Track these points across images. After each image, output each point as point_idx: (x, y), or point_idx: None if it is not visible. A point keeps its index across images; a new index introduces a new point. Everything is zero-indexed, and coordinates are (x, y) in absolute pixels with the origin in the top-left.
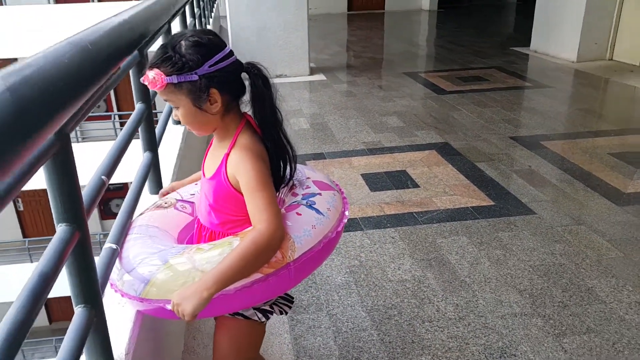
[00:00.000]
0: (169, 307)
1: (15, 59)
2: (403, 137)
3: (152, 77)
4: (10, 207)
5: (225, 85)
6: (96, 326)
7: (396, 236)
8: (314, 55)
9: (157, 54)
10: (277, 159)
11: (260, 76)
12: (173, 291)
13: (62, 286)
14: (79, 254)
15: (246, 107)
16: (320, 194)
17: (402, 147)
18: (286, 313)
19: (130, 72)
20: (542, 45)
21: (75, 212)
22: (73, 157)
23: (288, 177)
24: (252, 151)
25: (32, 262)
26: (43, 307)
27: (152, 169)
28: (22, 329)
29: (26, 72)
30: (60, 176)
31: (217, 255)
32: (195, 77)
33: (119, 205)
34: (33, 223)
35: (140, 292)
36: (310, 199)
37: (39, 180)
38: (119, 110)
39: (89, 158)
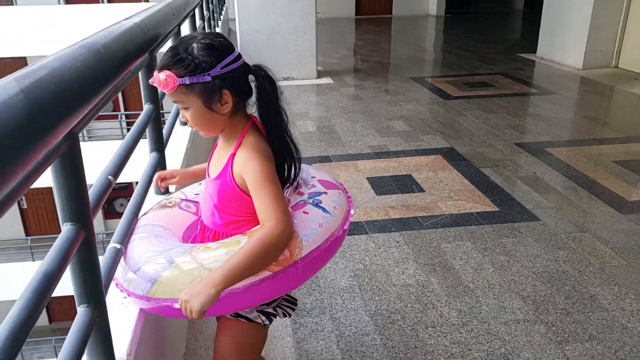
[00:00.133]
0: (177, 305)
1: (24, 58)
2: (409, 141)
3: (164, 78)
4: (13, 205)
5: (236, 87)
6: (99, 326)
7: (401, 240)
8: (322, 58)
9: (167, 56)
10: (283, 159)
11: (267, 78)
12: (181, 290)
13: (63, 286)
14: (84, 254)
15: (251, 109)
16: (326, 192)
17: (408, 152)
18: (289, 315)
19: (140, 73)
20: (548, 52)
21: (81, 212)
22: (81, 157)
23: (293, 177)
24: (259, 150)
25: (34, 260)
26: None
27: (158, 170)
28: (24, 328)
29: (40, 75)
30: (68, 176)
31: (224, 254)
32: (208, 79)
33: (123, 205)
34: (36, 221)
35: (148, 291)
36: (317, 197)
37: (43, 179)
38: (125, 110)
39: (94, 157)
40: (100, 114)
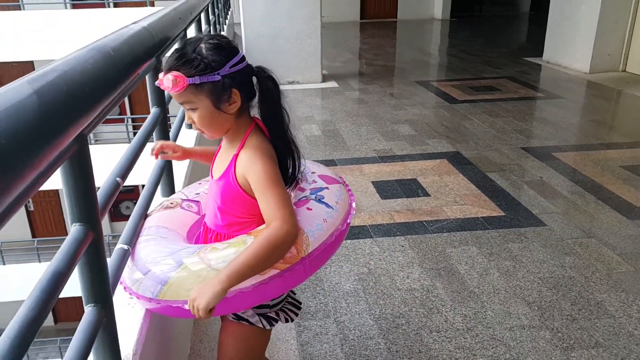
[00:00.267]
0: (187, 306)
1: (31, 62)
2: (414, 145)
3: (173, 79)
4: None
5: (243, 86)
6: (105, 325)
7: (406, 244)
8: (327, 62)
9: (174, 57)
10: (285, 159)
11: (270, 78)
12: (190, 288)
13: (70, 286)
14: (92, 254)
15: (253, 111)
16: (327, 187)
17: (413, 156)
18: (292, 320)
19: (147, 77)
20: (554, 56)
21: (89, 213)
22: (90, 159)
23: (294, 176)
24: (262, 151)
25: (40, 262)
26: None
27: (165, 172)
28: (33, 327)
29: (52, 77)
30: (77, 177)
31: (232, 254)
32: (218, 78)
33: (129, 208)
34: (43, 223)
35: (157, 293)
36: (319, 193)
37: (51, 181)
38: (132, 114)
39: (101, 160)
40: (107, 117)
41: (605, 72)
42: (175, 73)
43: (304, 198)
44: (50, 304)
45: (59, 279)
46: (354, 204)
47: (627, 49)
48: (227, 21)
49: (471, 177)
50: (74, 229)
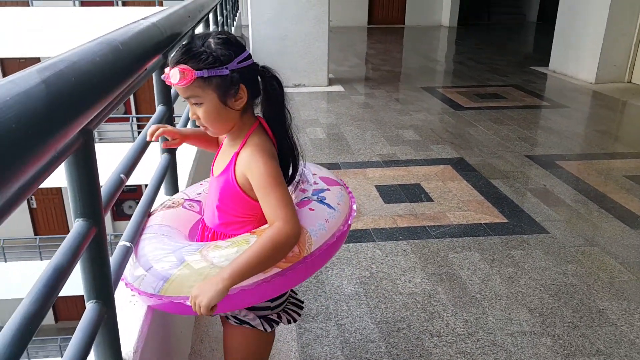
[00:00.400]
0: (188, 303)
1: (38, 59)
2: (418, 150)
3: (180, 72)
4: (23, 204)
5: (249, 83)
6: (107, 322)
7: (408, 249)
8: (333, 66)
9: (182, 51)
10: (286, 159)
11: (274, 78)
12: (192, 288)
13: (71, 285)
14: (95, 250)
15: (256, 110)
16: (328, 189)
17: (418, 161)
18: (295, 321)
19: (154, 75)
20: (560, 66)
21: (93, 208)
22: (94, 154)
23: (294, 177)
24: (263, 150)
25: (42, 259)
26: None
27: (169, 171)
28: (34, 321)
29: (60, 67)
30: (81, 172)
31: (234, 253)
32: (226, 72)
33: (132, 207)
34: (45, 221)
35: (159, 289)
36: (320, 194)
37: (54, 179)
38: (137, 113)
39: (105, 158)
40: (112, 116)
41: (611, 83)
42: (182, 66)
43: (305, 199)
44: (52, 299)
45: (60, 273)
46: (354, 206)
47: (633, 60)
48: (235, 23)
49: (475, 183)
50: (77, 224)
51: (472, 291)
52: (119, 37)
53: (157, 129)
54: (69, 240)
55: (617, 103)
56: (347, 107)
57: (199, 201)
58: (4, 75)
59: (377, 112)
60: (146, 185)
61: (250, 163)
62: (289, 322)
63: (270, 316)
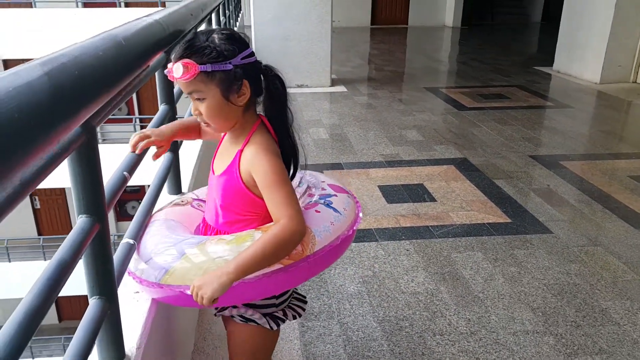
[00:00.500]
0: (188, 292)
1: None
2: (422, 151)
3: (183, 66)
4: (27, 205)
5: (252, 79)
6: (109, 318)
7: (411, 249)
8: (336, 67)
9: (185, 46)
10: (288, 158)
11: (277, 77)
12: (191, 280)
13: (75, 284)
14: (98, 246)
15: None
16: (336, 195)
17: (421, 161)
18: (300, 316)
19: (156, 74)
20: (565, 66)
21: (96, 205)
22: (98, 150)
23: (294, 175)
24: (268, 148)
25: (45, 259)
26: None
27: (172, 170)
28: (37, 316)
29: (63, 60)
30: (85, 168)
31: (238, 248)
32: (229, 67)
33: (135, 208)
34: (49, 221)
35: (160, 278)
36: (327, 199)
37: (57, 179)
38: (140, 114)
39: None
40: (116, 117)
41: (616, 83)
42: (186, 60)
43: (312, 202)
44: (55, 294)
45: (63, 269)
46: (360, 214)
47: (638, 60)
48: (237, 23)
49: (478, 183)
50: (80, 220)
51: (474, 290)
52: (122, 33)
53: (140, 140)
54: (72, 236)
55: (622, 103)
56: (350, 107)
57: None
58: None
59: (380, 112)
60: (149, 186)
61: (254, 161)
62: (295, 318)
63: (275, 313)
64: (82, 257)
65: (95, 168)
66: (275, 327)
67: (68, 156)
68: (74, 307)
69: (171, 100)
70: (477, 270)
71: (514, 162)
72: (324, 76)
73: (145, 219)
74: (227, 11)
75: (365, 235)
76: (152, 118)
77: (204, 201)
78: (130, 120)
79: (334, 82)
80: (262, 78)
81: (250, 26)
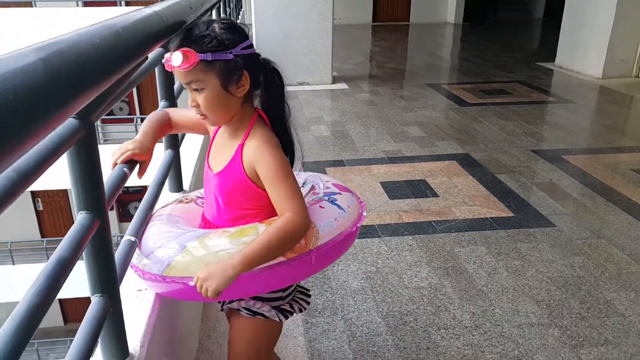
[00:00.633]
0: (191, 283)
1: None
2: (423, 147)
3: (183, 54)
4: (29, 207)
5: (252, 71)
6: (112, 316)
7: (414, 244)
8: (337, 64)
9: (185, 35)
10: (285, 152)
11: (275, 71)
12: (195, 271)
13: (80, 287)
14: (98, 243)
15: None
16: (340, 193)
17: (423, 157)
18: (305, 309)
19: (156, 70)
20: (567, 61)
21: (96, 201)
22: (97, 146)
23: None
24: (269, 141)
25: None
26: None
27: (173, 167)
28: (37, 313)
29: (59, 46)
30: (84, 164)
31: (242, 242)
32: (230, 56)
33: (137, 208)
34: (51, 223)
35: (163, 270)
36: (332, 196)
37: (59, 180)
38: (141, 114)
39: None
40: (116, 117)
41: (618, 78)
42: (185, 49)
43: (317, 199)
44: (55, 292)
45: (64, 266)
46: (364, 213)
47: None
48: (238, 21)
49: (480, 178)
50: (80, 216)
51: (478, 284)
52: (119, 23)
53: (120, 155)
54: (72, 232)
55: (624, 98)
56: (352, 104)
57: None
58: None
59: (382, 109)
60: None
61: (258, 154)
62: (301, 311)
63: (282, 306)
64: (83, 254)
65: (95, 164)
66: (284, 320)
67: (67, 151)
68: (79, 310)
69: (171, 96)
70: (480, 264)
71: (516, 157)
72: (325, 73)
73: (146, 216)
74: (227, 8)
75: (368, 231)
76: None
77: None
78: (131, 120)
79: (335, 80)
80: (260, 71)
81: (251, 24)
